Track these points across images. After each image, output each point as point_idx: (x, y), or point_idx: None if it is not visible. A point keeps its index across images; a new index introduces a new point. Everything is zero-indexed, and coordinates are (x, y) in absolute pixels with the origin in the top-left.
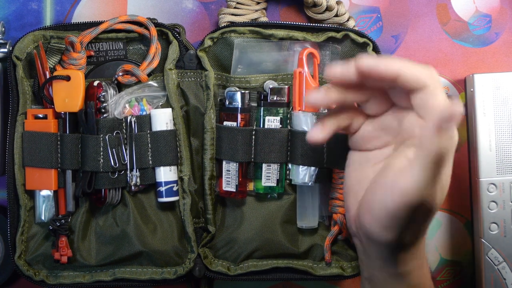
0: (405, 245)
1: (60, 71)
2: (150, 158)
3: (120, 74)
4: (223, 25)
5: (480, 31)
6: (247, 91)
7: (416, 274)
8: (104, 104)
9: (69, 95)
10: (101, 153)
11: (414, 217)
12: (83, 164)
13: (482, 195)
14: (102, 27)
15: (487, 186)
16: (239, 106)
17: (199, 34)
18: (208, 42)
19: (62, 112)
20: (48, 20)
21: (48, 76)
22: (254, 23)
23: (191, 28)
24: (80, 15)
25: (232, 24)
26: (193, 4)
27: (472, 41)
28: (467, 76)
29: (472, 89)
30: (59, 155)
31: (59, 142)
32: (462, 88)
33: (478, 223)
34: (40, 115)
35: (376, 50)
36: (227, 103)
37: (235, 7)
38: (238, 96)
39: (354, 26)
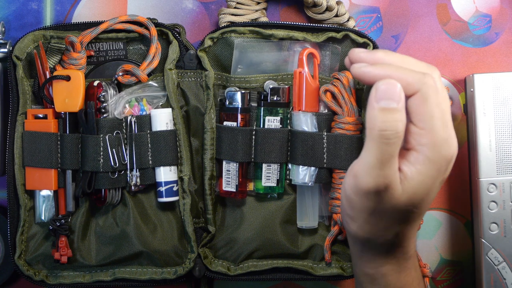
0: (374, 243)
1: (60, 71)
2: (150, 158)
3: (120, 74)
4: (223, 25)
5: (480, 31)
6: (247, 91)
7: (391, 279)
8: (104, 104)
9: (69, 95)
10: (101, 153)
11: (378, 210)
12: (83, 164)
13: (482, 195)
14: (102, 27)
15: (487, 186)
16: (239, 106)
17: (199, 34)
18: (208, 42)
19: (62, 112)
20: (48, 20)
21: (48, 76)
22: (254, 23)
23: (191, 28)
24: (80, 15)
25: (232, 24)
26: (193, 4)
27: (472, 41)
28: (467, 76)
29: (472, 89)
30: (59, 155)
31: (59, 142)
32: (462, 88)
33: (478, 223)
34: (40, 115)
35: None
36: (227, 103)
37: (235, 7)
38: (238, 96)
39: (354, 26)
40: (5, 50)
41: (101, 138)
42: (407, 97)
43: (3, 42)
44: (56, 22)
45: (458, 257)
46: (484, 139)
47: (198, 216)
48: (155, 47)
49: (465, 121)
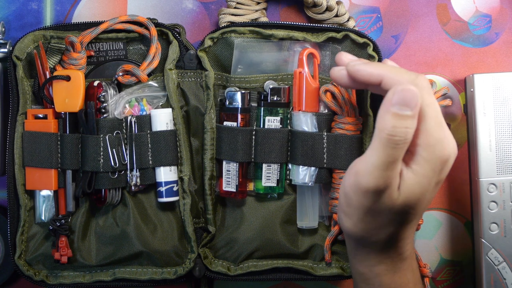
0: (368, 241)
1: (60, 71)
2: (150, 158)
3: (120, 74)
4: (223, 25)
5: (480, 31)
6: (247, 91)
7: (385, 279)
8: (104, 104)
9: (69, 95)
10: (101, 153)
11: (374, 209)
12: (83, 164)
13: (482, 195)
14: (102, 27)
15: (487, 186)
16: (239, 106)
17: (199, 34)
18: (208, 42)
19: (62, 112)
20: (48, 20)
21: (48, 76)
22: (254, 23)
23: (191, 28)
24: (80, 15)
25: (232, 24)
26: (193, 4)
27: (472, 41)
28: (467, 76)
29: (472, 89)
30: (59, 155)
31: (59, 142)
32: (462, 88)
33: (478, 223)
34: (40, 115)
35: (376, 50)
36: (227, 103)
37: (235, 7)
38: (238, 96)
39: (354, 26)
40: (5, 50)
41: (101, 138)
42: None
43: (3, 42)
44: (56, 22)
45: (458, 257)
46: (484, 139)
47: (198, 216)
48: (155, 47)
49: (465, 121)
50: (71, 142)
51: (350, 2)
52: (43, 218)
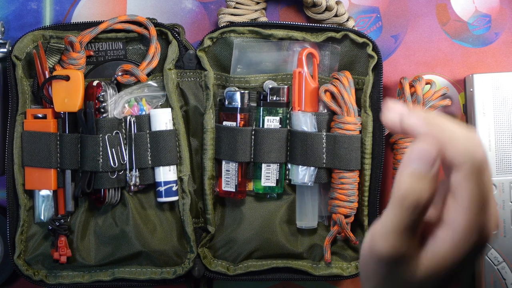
0: None
1: (59, 71)
2: (149, 158)
3: (120, 74)
4: (222, 25)
5: (479, 31)
6: (246, 91)
7: None
8: (103, 104)
9: (68, 95)
10: (101, 153)
11: (390, 278)
12: (83, 164)
13: None
14: (101, 27)
15: None
16: (239, 106)
17: (199, 34)
18: (207, 42)
19: (62, 112)
20: (47, 20)
21: (47, 76)
22: (253, 23)
23: (191, 28)
24: (79, 15)
25: (232, 24)
26: (193, 4)
27: (472, 41)
28: (467, 76)
29: (471, 89)
30: (58, 155)
31: (58, 142)
32: (462, 88)
33: None
34: (40, 115)
35: (375, 50)
36: (226, 103)
37: (234, 7)
38: (237, 96)
39: (353, 26)
40: (5, 50)
41: (101, 138)
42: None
43: (2, 42)
44: (55, 22)
45: None
46: (483, 139)
47: (198, 216)
48: (155, 47)
49: (464, 121)
50: (70, 142)
51: (350, 2)
52: (42, 218)
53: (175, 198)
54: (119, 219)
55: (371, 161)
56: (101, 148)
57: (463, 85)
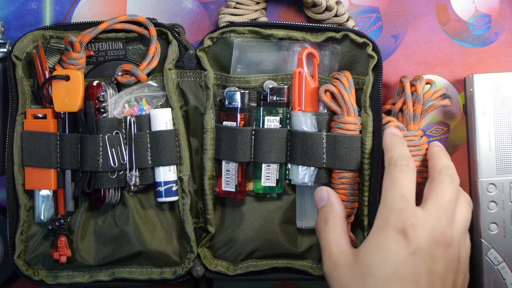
0: None
1: (59, 71)
2: (149, 158)
3: (120, 74)
4: (222, 25)
5: (479, 31)
6: (246, 91)
7: None
8: (103, 104)
9: (68, 95)
10: (101, 153)
11: None
12: (83, 164)
13: (482, 195)
14: (101, 27)
15: (486, 186)
16: (239, 106)
17: (199, 34)
18: (207, 42)
19: (62, 112)
20: (47, 20)
21: (47, 76)
22: (253, 23)
23: (191, 28)
24: (79, 15)
25: (232, 24)
26: (193, 4)
27: (472, 41)
28: (467, 76)
29: (471, 89)
30: (58, 155)
31: (58, 142)
32: (462, 88)
33: (477, 223)
34: (40, 115)
35: (375, 50)
36: (226, 103)
37: (234, 7)
38: (237, 96)
39: (353, 26)
40: (5, 50)
41: (101, 138)
42: None
43: (2, 42)
44: (55, 22)
45: None
46: (483, 139)
47: (198, 216)
48: (155, 47)
49: (464, 121)
50: (70, 142)
51: (350, 2)
52: (42, 218)
53: (175, 198)
54: (119, 219)
55: (371, 161)
56: (101, 148)
57: (463, 85)
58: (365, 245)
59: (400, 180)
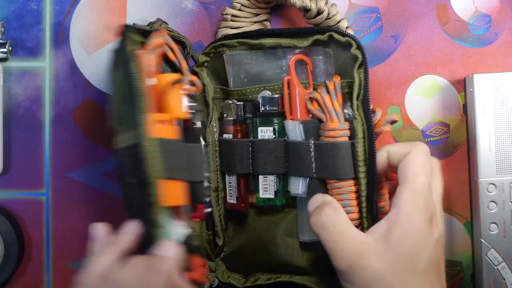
0: None
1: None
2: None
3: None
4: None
5: (479, 31)
6: (239, 103)
7: None
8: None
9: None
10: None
11: None
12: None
13: (482, 195)
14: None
15: (486, 186)
16: (233, 118)
17: (199, 34)
18: (203, 58)
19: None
20: (47, 20)
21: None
22: (239, 33)
23: (191, 28)
24: (79, 15)
25: (221, 38)
26: (193, 4)
27: (472, 41)
28: (467, 76)
29: (471, 89)
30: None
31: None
32: (462, 88)
33: (477, 223)
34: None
35: (360, 49)
36: (225, 116)
37: (231, 20)
38: (232, 108)
39: (347, 27)
40: (5, 50)
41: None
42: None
43: (2, 42)
44: (55, 22)
45: (457, 257)
46: (483, 139)
47: (209, 229)
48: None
49: (464, 121)
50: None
51: (350, 2)
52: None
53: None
54: None
55: (366, 169)
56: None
57: (463, 85)
58: (397, 231)
59: (428, 168)
